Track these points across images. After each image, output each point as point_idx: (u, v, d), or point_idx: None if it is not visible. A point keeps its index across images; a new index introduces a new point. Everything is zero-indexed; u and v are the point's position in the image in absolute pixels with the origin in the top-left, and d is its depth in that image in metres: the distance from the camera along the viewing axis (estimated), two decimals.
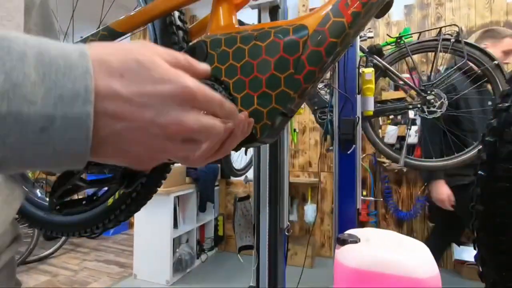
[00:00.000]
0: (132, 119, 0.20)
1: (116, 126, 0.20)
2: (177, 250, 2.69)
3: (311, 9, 3.03)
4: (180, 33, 0.58)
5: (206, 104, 0.24)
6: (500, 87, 1.50)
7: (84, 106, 0.18)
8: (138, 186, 0.59)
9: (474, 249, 0.55)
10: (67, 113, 0.18)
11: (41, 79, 0.17)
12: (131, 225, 3.74)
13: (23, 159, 0.18)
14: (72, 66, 0.18)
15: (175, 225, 2.68)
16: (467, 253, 2.41)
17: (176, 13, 0.59)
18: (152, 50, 0.23)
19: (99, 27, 0.65)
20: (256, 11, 1.00)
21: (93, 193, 0.48)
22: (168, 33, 0.57)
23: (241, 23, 1.34)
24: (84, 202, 0.47)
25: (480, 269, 0.48)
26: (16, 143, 0.17)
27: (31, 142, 0.18)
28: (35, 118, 0.17)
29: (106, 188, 0.56)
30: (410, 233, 2.72)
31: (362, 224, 2.68)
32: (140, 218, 2.61)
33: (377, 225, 2.78)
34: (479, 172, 0.50)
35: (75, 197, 0.58)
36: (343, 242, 0.83)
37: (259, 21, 0.99)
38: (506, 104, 0.48)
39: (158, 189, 0.67)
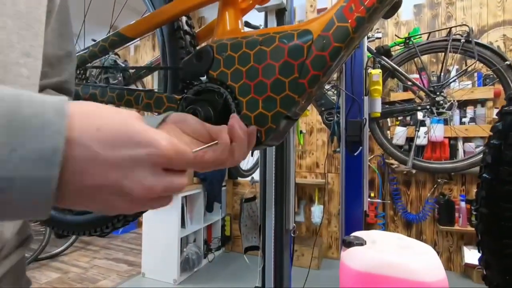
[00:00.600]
0: (98, 178, 0.20)
1: (81, 183, 0.20)
2: (185, 249, 2.72)
3: (318, 10, 3.02)
4: (188, 37, 0.59)
5: (179, 162, 0.24)
6: (509, 91, 1.47)
7: (48, 169, 0.18)
8: None
9: (478, 252, 0.54)
10: (26, 176, 0.17)
11: (7, 141, 0.17)
12: (139, 224, 3.80)
13: None
14: (45, 125, 0.18)
15: (183, 224, 2.71)
16: (478, 257, 2.37)
17: (184, 18, 0.60)
18: (135, 114, 0.23)
19: (109, 31, 0.67)
20: (263, 13, 1.01)
21: None
22: (175, 37, 0.58)
23: (247, 24, 1.35)
24: None
25: (484, 272, 0.48)
26: None
27: None
28: None
29: None
30: (419, 235, 2.68)
31: (370, 226, 2.65)
32: (148, 217, 2.64)
33: (385, 227, 2.75)
34: (484, 175, 0.50)
35: None
36: (349, 244, 0.83)
37: (266, 23, 0.99)
38: None
39: None
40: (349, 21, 0.42)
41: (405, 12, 2.74)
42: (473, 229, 2.37)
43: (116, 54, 1.46)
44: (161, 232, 2.58)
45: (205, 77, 0.51)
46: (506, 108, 0.46)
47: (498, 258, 0.45)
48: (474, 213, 0.53)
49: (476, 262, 2.49)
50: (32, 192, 0.18)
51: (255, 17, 1.07)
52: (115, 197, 0.22)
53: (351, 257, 0.79)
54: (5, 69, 0.27)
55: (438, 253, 2.45)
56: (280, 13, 0.97)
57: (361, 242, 0.82)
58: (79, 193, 0.20)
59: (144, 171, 0.22)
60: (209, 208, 3.07)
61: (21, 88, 0.26)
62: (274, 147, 1.00)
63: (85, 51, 0.62)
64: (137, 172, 0.21)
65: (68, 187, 0.19)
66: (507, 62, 1.48)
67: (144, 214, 2.65)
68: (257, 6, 0.85)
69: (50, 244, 2.88)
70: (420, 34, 1.94)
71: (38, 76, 0.32)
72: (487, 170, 0.47)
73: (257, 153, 2.18)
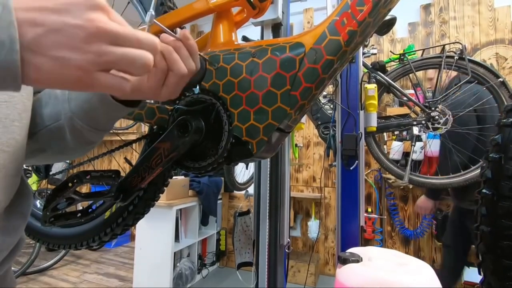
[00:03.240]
0: (48, 23, 0.23)
1: (36, 31, 0.23)
2: (178, 264, 2.65)
3: None
4: None
5: (118, 20, 0.26)
6: (506, 104, 1.48)
7: (11, 55, 0.22)
8: (135, 200, 0.59)
9: (479, 274, 0.52)
10: None
11: None
12: (132, 238, 3.71)
13: None
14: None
15: (177, 238, 2.65)
16: (478, 275, 2.32)
17: (178, 30, 0.60)
18: None
19: None
20: (259, 28, 1.02)
21: (87, 206, 0.48)
22: None
23: (246, 39, 1.37)
24: (79, 214, 0.47)
25: None
26: None
27: None
28: None
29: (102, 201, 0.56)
30: (417, 252, 2.63)
31: (367, 242, 2.61)
32: (141, 230, 2.59)
33: (383, 243, 2.71)
34: (484, 190, 0.48)
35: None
36: (344, 261, 0.81)
37: (262, 38, 1.00)
38: (511, 120, 0.47)
39: (159, 202, 0.67)
40: (341, 34, 0.43)
41: (400, 30, 2.80)
42: (472, 246, 2.34)
43: None
44: (154, 246, 2.52)
45: (197, 88, 0.50)
46: (504, 121, 0.45)
47: (502, 281, 0.43)
48: (475, 231, 0.50)
49: (475, 280, 2.42)
50: (4, 71, 0.22)
51: (252, 31, 1.08)
52: (74, 39, 0.23)
53: (347, 275, 0.76)
54: None
55: (436, 271, 2.41)
56: (276, 28, 0.98)
57: (357, 259, 0.79)
58: (39, 40, 0.23)
59: (87, 12, 0.24)
60: (204, 222, 3.02)
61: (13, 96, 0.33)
62: (269, 160, 0.99)
63: None
64: (81, 12, 0.24)
65: (27, 35, 0.23)
66: (500, 79, 1.50)
67: (137, 227, 2.59)
68: (253, 20, 0.86)
69: (39, 258, 2.80)
70: (415, 51, 1.98)
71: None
72: (487, 185, 0.46)
73: (252, 166, 2.16)
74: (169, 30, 0.35)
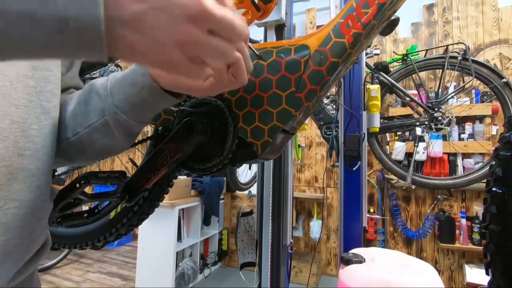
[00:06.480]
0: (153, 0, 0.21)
1: (136, 7, 0.21)
2: (180, 264, 2.66)
3: (318, 27, 3.08)
4: None
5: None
6: (510, 104, 1.48)
7: (93, 8, 0.20)
8: (140, 200, 0.60)
9: (487, 274, 0.52)
10: (77, 15, 0.20)
11: None
12: (135, 237, 3.73)
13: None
14: None
15: (179, 238, 2.66)
16: (480, 276, 2.31)
17: None
18: None
19: None
20: (262, 29, 1.02)
21: (94, 206, 0.49)
22: None
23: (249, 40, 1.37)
24: (85, 215, 0.47)
25: None
26: (35, 42, 0.20)
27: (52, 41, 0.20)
28: (50, 19, 0.19)
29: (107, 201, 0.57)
30: (419, 253, 2.63)
31: (369, 243, 2.60)
32: (144, 230, 2.60)
33: (385, 244, 2.70)
34: (494, 189, 0.48)
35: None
36: (347, 261, 0.81)
37: (265, 38, 1.01)
38: None
39: (162, 202, 0.67)
40: (346, 36, 0.43)
41: (403, 30, 2.80)
42: (474, 247, 2.33)
43: (117, 66, 1.47)
44: (157, 245, 2.53)
45: None
46: None
47: None
48: (483, 231, 0.50)
49: (478, 281, 2.41)
50: (86, 27, 0.20)
51: (255, 32, 1.08)
52: (174, 21, 0.22)
53: (350, 276, 0.76)
54: (17, 80, 0.32)
55: (439, 271, 2.40)
56: (280, 29, 0.98)
57: (360, 260, 0.79)
58: (138, 17, 0.22)
59: None
60: (206, 222, 3.03)
61: (28, 96, 0.33)
62: (272, 161, 1.00)
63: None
64: None
65: (114, 21, 0.21)
66: (504, 80, 1.50)
67: (140, 226, 2.61)
68: (256, 21, 0.87)
69: None
70: (418, 51, 1.97)
71: (48, 83, 0.36)
72: (498, 183, 0.45)
73: (255, 166, 2.17)
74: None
